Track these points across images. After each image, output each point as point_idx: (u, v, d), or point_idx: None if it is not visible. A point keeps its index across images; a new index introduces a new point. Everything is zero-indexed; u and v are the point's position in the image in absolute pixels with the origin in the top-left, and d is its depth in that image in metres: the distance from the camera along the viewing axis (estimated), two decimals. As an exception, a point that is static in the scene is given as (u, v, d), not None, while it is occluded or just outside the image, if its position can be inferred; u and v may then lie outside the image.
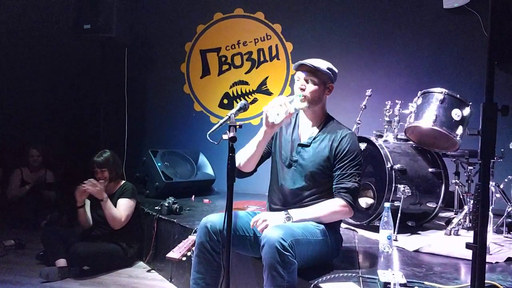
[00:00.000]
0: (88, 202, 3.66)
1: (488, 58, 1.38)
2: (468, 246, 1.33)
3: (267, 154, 2.41)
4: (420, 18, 4.82)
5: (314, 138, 2.30)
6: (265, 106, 2.11)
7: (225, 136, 1.83)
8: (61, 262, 3.36)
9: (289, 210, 2.19)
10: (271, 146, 2.41)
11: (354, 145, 2.26)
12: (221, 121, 1.95)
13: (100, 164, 3.56)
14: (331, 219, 2.23)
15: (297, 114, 2.42)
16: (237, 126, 1.88)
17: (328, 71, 2.25)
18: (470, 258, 1.38)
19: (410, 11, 4.86)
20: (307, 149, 2.29)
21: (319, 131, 2.32)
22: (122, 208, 3.53)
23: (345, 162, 2.22)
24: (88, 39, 4.90)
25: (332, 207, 2.20)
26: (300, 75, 2.26)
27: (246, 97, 5.50)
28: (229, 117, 1.92)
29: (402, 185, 3.06)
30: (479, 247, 1.24)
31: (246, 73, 5.55)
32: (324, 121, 2.36)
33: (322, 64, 2.25)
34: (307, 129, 2.36)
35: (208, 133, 1.90)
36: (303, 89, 2.24)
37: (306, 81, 2.25)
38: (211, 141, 1.88)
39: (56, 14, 5.28)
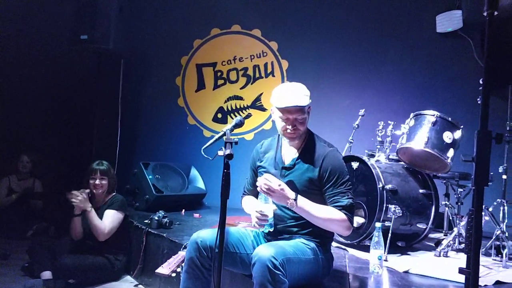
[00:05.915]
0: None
1: (484, 86, 1.41)
2: (461, 271, 1.33)
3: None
4: (414, 41, 4.91)
5: (297, 159, 2.27)
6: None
7: (220, 153, 1.83)
8: (46, 275, 3.30)
9: (298, 196, 2.11)
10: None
11: (338, 162, 2.22)
12: (216, 136, 1.95)
13: (104, 172, 3.54)
14: (328, 226, 2.16)
15: (279, 135, 2.36)
16: (234, 143, 1.88)
17: (309, 100, 2.20)
18: (459, 280, 1.39)
19: (404, 33, 4.96)
20: (291, 171, 2.26)
21: (301, 151, 2.29)
22: (108, 220, 3.46)
23: (333, 181, 2.17)
24: (84, 49, 4.91)
25: (336, 215, 2.11)
26: (287, 115, 2.17)
27: (240, 112, 5.53)
28: (225, 133, 1.92)
29: (393, 206, 3.07)
30: (472, 273, 1.25)
31: (241, 88, 5.59)
32: (305, 139, 2.31)
33: (303, 95, 2.17)
34: (289, 151, 2.33)
35: (203, 148, 1.90)
36: (297, 129, 2.20)
37: (296, 120, 2.18)
38: (205, 156, 1.88)
39: (53, 23, 5.28)
